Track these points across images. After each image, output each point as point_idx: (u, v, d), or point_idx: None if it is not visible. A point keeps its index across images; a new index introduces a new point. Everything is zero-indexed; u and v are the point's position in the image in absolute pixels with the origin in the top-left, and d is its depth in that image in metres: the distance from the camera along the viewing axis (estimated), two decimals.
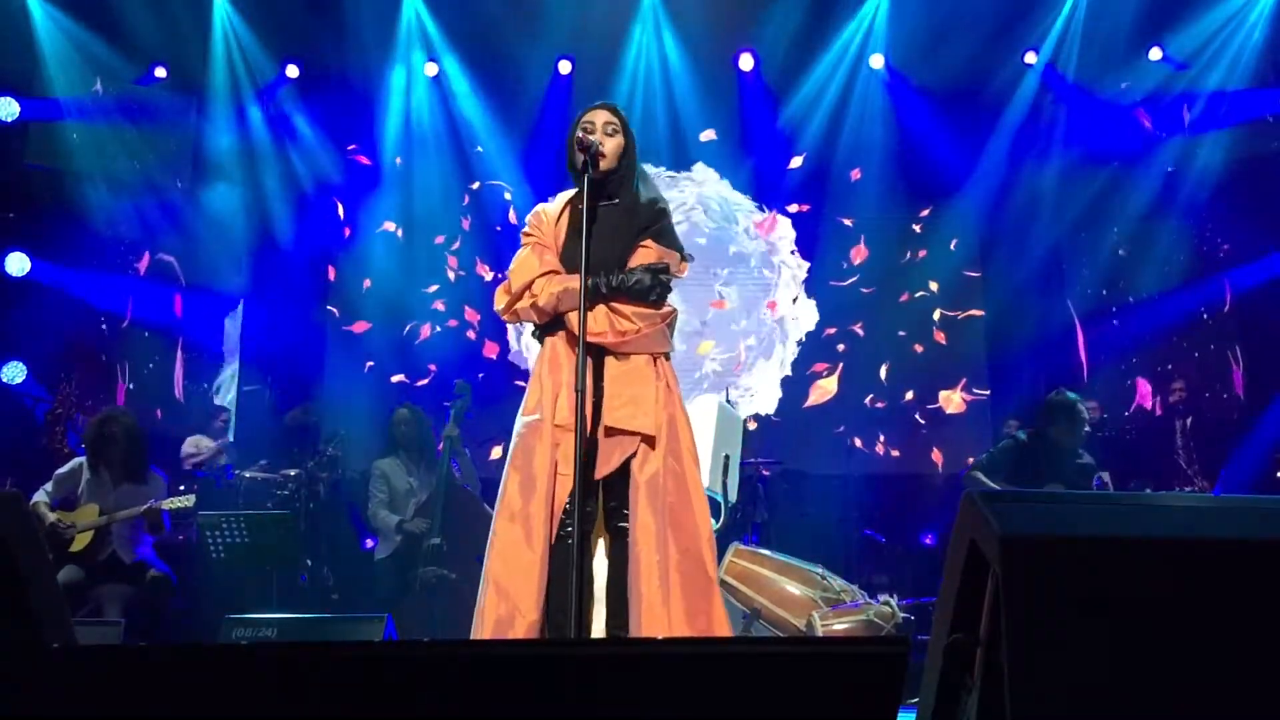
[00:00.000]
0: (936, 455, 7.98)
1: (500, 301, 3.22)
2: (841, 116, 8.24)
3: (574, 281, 3.02)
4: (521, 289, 3.14)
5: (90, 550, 5.29)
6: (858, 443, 7.86)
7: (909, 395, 8.04)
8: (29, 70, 7.37)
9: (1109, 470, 6.02)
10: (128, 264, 7.75)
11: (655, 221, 3.18)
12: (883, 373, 8.02)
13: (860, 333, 8.14)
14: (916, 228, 8.28)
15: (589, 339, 2.98)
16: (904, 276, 8.22)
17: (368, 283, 8.26)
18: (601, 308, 3.04)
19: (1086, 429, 5.50)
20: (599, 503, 3.06)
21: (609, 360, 3.08)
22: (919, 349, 8.10)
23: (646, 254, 3.13)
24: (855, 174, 8.21)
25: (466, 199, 8.38)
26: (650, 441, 3.03)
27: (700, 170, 8.39)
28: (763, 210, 8.38)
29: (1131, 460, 7.21)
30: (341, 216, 8.41)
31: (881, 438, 8.08)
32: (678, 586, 2.94)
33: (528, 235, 3.25)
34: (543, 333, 3.20)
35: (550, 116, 8.22)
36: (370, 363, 8.05)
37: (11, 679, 1.39)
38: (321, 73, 8.25)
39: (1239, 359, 7.93)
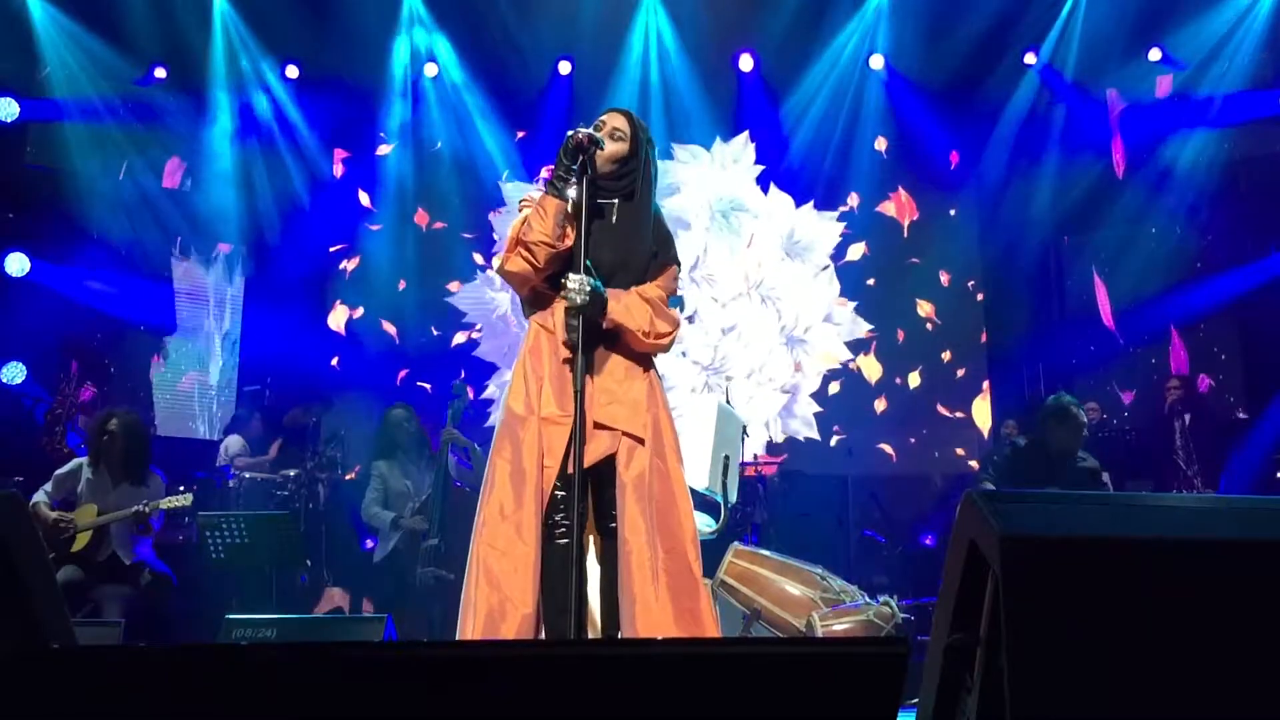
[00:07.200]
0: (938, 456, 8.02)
1: (496, 262, 3.20)
2: (839, 116, 8.24)
3: (548, 203, 2.97)
4: (513, 240, 3.06)
5: (89, 550, 5.28)
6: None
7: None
8: (29, 71, 7.37)
9: (1108, 471, 6.02)
10: (128, 264, 7.74)
11: (660, 231, 3.17)
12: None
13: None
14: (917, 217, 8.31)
15: (626, 323, 3.00)
16: (902, 276, 8.23)
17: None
18: (647, 306, 3.05)
19: (1085, 432, 5.47)
20: (590, 502, 3.01)
21: (599, 355, 3.05)
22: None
23: (667, 278, 3.15)
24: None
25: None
26: (637, 440, 3.01)
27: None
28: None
29: (1130, 461, 7.20)
30: (347, 211, 8.42)
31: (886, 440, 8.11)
32: (665, 587, 2.92)
33: (526, 202, 3.11)
34: (531, 309, 3.16)
35: (549, 117, 8.23)
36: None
37: (11, 679, 1.39)
38: (321, 73, 8.26)
39: (1238, 359, 7.92)
